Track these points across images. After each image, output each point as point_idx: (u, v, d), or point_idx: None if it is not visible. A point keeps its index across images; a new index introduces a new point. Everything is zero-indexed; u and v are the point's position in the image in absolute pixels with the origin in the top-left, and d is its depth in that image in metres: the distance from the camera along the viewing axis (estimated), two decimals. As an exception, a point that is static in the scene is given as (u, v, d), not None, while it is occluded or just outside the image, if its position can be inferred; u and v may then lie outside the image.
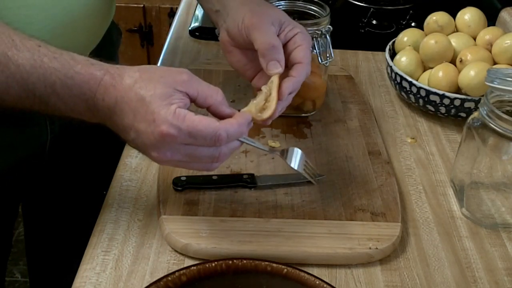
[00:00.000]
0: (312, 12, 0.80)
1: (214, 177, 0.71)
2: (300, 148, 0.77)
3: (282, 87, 0.62)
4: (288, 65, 0.65)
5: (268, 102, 0.61)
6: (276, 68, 0.63)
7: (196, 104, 0.57)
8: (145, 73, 0.55)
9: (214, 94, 0.57)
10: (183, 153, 0.55)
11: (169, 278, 0.54)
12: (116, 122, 0.56)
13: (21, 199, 0.96)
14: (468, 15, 0.90)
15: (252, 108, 0.61)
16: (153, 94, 0.53)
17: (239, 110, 0.59)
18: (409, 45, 0.91)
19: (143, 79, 0.55)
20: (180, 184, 0.69)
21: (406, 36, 0.92)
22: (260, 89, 0.63)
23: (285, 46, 0.66)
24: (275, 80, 0.62)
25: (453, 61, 0.87)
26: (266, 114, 0.61)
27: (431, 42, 0.87)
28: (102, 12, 0.79)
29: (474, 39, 0.89)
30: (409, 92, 0.86)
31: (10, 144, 0.76)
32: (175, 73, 0.56)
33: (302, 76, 0.64)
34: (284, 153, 0.65)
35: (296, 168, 0.64)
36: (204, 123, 0.53)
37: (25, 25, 0.66)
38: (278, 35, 0.65)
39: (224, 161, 0.58)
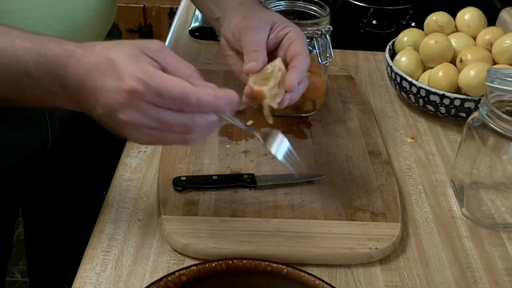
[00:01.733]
0: (312, 12, 0.80)
1: (214, 177, 0.71)
2: (300, 148, 0.78)
3: (288, 78, 0.61)
4: (288, 61, 0.64)
5: (279, 87, 0.61)
6: (251, 65, 0.62)
7: None
8: (117, 42, 0.55)
9: (185, 68, 0.54)
10: (153, 117, 0.52)
11: (169, 278, 0.54)
12: (87, 95, 0.54)
13: (22, 200, 0.96)
14: (468, 15, 0.90)
15: (267, 93, 0.60)
16: (122, 54, 0.52)
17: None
18: (409, 45, 0.91)
19: (114, 46, 0.54)
20: (180, 184, 0.69)
21: (406, 36, 0.92)
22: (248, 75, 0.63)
23: (280, 45, 0.66)
24: (281, 65, 0.62)
25: (453, 61, 0.87)
26: (277, 100, 0.60)
27: (431, 42, 0.86)
28: (104, 14, 0.79)
29: (474, 39, 0.89)
30: (409, 92, 0.86)
31: (11, 145, 0.77)
32: (146, 42, 0.55)
33: (304, 64, 0.63)
34: (266, 136, 0.61)
35: (275, 153, 0.60)
36: (174, 82, 0.51)
37: (27, 28, 0.66)
38: (269, 36, 0.66)
39: (202, 136, 0.55)
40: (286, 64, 0.64)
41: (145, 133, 0.54)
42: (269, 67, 0.63)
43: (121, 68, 0.51)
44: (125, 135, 0.55)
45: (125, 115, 0.52)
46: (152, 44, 0.54)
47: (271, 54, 0.66)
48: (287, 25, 0.67)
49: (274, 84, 0.61)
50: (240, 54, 0.68)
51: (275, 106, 0.61)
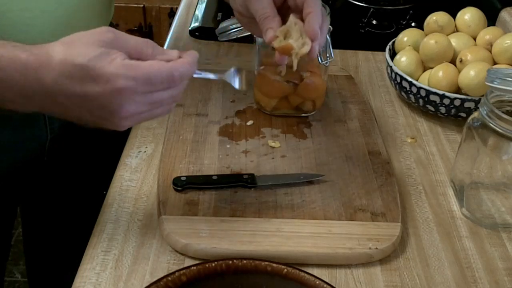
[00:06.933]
0: (312, 12, 0.80)
1: (214, 177, 0.71)
2: (300, 149, 0.78)
3: (308, 25, 0.63)
4: (303, 16, 0.66)
5: (303, 38, 0.64)
6: (269, 34, 0.65)
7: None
8: (70, 44, 0.53)
9: (144, 48, 0.55)
10: (145, 103, 0.54)
11: (169, 278, 0.54)
12: (60, 102, 0.53)
13: (21, 200, 0.96)
14: (468, 15, 0.91)
15: (294, 43, 0.63)
16: (91, 57, 0.51)
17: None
18: (409, 45, 0.91)
19: (72, 50, 0.52)
20: (180, 184, 0.69)
21: (406, 36, 0.92)
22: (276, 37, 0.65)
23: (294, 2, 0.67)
24: (296, 20, 0.65)
25: (453, 61, 0.87)
26: (306, 48, 0.63)
27: (431, 42, 0.87)
28: (102, 14, 0.80)
29: (474, 39, 0.89)
30: (409, 92, 0.86)
31: (10, 144, 0.76)
32: (99, 34, 0.54)
33: (318, 7, 0.64)
34: (227, 77, 0.65)
35: (238, 87, 0.65)
36: (156, 67, 0.53)
37: (27, 28, 0.66)
38: None
39: (181, 96, 0.58)
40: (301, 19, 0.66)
41: (138, 118, 0.56)
42: (285, 26, 0.65)
43: (102, 73, 0.51)
44: (117, 128, 0.56)
45: (124, 112, 0.54)
46: (106, 35, 0.53)
47: (283, 7, 0.67)
48: None
49: (297, 36, 0.64)
50: (254, 19, 0.69)
51: (305, 52, 0.63)
